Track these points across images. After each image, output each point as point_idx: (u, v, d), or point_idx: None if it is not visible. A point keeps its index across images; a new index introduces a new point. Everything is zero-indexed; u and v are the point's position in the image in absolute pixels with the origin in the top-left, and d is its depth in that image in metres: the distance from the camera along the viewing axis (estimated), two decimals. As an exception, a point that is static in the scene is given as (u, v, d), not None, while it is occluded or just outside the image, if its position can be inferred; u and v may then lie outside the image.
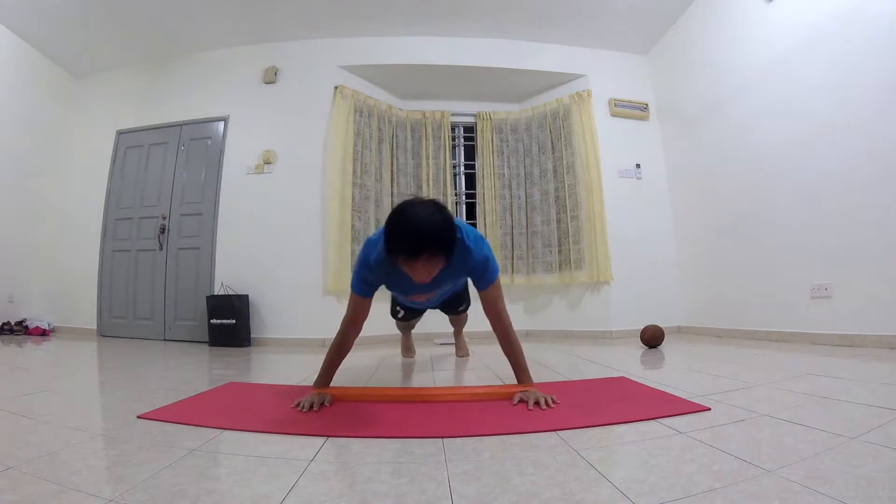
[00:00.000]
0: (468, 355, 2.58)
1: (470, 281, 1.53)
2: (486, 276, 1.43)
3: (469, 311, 2.28)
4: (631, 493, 0.72)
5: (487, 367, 2.22)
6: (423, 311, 2.19)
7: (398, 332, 2.60)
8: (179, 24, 3.76)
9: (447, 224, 1.18)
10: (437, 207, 1.20)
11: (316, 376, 1.48)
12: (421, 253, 1.14)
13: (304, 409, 1.28)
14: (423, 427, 1.14)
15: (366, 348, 3.14)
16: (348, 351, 1.50)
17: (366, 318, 1.49)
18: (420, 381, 1.93)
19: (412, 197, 1.26)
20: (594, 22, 3.81)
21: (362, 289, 1.43)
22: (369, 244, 1.41)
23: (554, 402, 1.30)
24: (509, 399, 1.36)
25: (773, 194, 2.92)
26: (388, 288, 1.58)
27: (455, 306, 2.13)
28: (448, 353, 2.78)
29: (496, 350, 1.61)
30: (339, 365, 1.49)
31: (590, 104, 3.93)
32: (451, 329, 2.62)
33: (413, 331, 2.62)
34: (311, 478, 0.82)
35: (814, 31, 2.63)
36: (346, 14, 3.69)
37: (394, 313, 2.20)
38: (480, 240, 1.44)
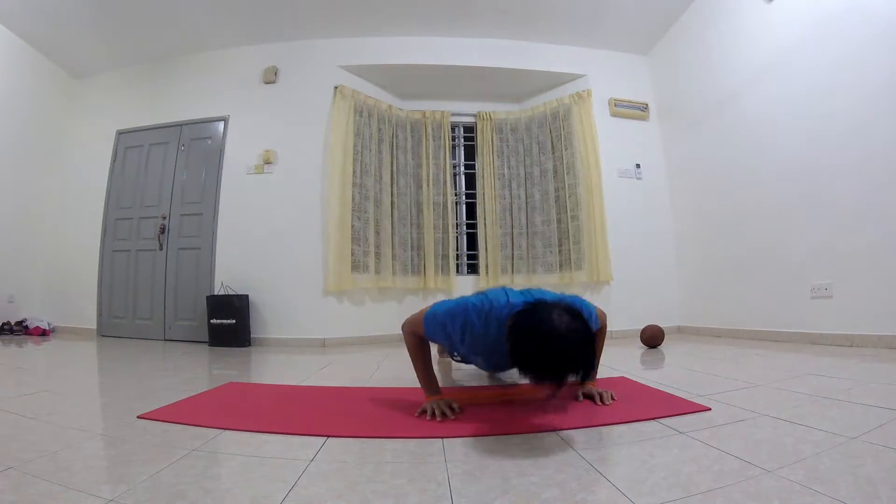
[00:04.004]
0: None
1: None
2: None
3: None
4: (631, 493, 0.72)
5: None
6: None
7: (399, 332, 2.56)
8: (179, 24, 3.76)
9: (592, 344, 1.06)
10: (582, 322, 1.03)
11: (424, 386, 1.32)
12: (567, 377, 1.00)
13: (439, 419, 1.18)
14: (422, 427, 1.14)
15: (372, 348, 3.14)
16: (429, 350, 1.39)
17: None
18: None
19: (552, 307, 1.04)
20: (594, 22, 3.81)
21: (437, 336, 1.29)
22: (476, 312, 1.20)
23: (612, 398, 1.33)
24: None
25: (773, 194, 2.91)
26: (468, 354, 1.38)
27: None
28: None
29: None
30: (432, 367, 1.37)
31: (590, 104, 3.93)
32: None
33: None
34: (311, 478, 0.82)
35: (814, 31, 2.63)
36: (346, 14, 3.69)
37: (450, 355, 1.91)
38: (586, 306, 1.28)
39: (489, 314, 1.19)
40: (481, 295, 1.27)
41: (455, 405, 1.25)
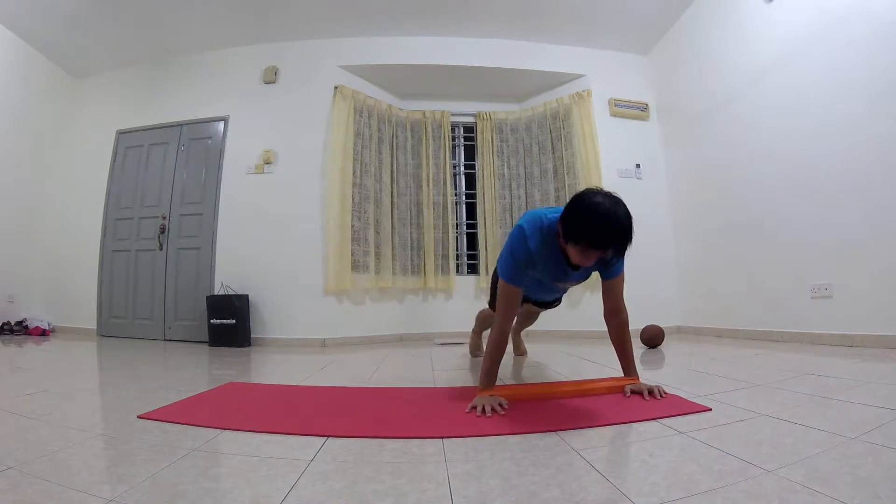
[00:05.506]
0: (526, 353, 2.59)
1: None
2: (622, 262, 1.42)
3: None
4: (631, 493, 0.72)
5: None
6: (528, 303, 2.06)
7: (398, 332, 2.56)
8: (179, 24, 3.76)
9: (631, 219, 1.22)
10: (621, 200, 1.23)
11: (482, 377, 1.40)
12: (615, 246, 1.20)
13: (488, 414, 1.22)
14: (422, 427, 1.14)
15: (372, 348, 3.14)
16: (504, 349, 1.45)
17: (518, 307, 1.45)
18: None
19: (590, 189, 1.27)
20: (594, 22, 3.80)
21: (520, 279, 1.40)
22: (525, 234, 1.36)
23: (662, 393, 1.37)
24: (621, 391, 1.42)
25: (773, 194, 2.91)
26: (536, 274, 1.48)
27: (560, 297, 2.12)
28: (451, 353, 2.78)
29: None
30: (499, 364, 1.44)
31: (590, 104, 3.93)
32: (448, 329, 2.61)
33: (412, 330, 2.57)
34: (311, 478, 0.82)
35: (814, 31, 2.63)
36: (346, 14, 3.69)
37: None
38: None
39: (541, 226, 1.36)
40: (524, 220, 1.41)
41: (504, 402, 1.28)
